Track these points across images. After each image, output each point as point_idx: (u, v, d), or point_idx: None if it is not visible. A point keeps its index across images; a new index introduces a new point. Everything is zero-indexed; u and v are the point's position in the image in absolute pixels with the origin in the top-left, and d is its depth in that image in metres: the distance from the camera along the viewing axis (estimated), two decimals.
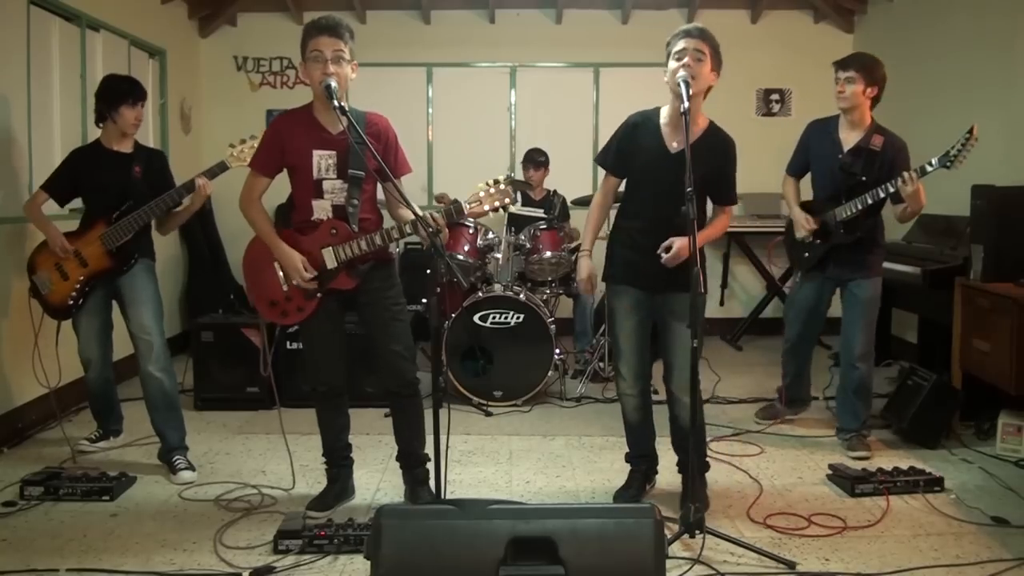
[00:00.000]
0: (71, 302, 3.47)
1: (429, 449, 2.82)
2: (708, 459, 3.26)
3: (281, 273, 2.93)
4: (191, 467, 3.44)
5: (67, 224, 3.59)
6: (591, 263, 3.13)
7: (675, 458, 3.20)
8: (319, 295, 2.92)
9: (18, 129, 4.04)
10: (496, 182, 2.80)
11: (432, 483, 2.81)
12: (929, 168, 3.38)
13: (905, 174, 3.38)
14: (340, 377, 3.08)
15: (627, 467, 3.29)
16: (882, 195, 3.49)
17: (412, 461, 3.10)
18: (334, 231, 2.87)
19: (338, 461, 3.17)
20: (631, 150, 3.02)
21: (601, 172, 3.19)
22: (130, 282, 3.47)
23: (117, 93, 3.45)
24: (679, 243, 2.85)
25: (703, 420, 3.18)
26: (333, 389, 3.08)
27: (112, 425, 3.82)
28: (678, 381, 3.00)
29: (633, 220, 3.04)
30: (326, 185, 2.87)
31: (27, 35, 4.12)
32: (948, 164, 3.33)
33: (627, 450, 3.28)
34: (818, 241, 3.74)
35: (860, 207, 3.55)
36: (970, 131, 3.29)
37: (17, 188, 4.02)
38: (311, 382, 3.08)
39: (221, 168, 3.43)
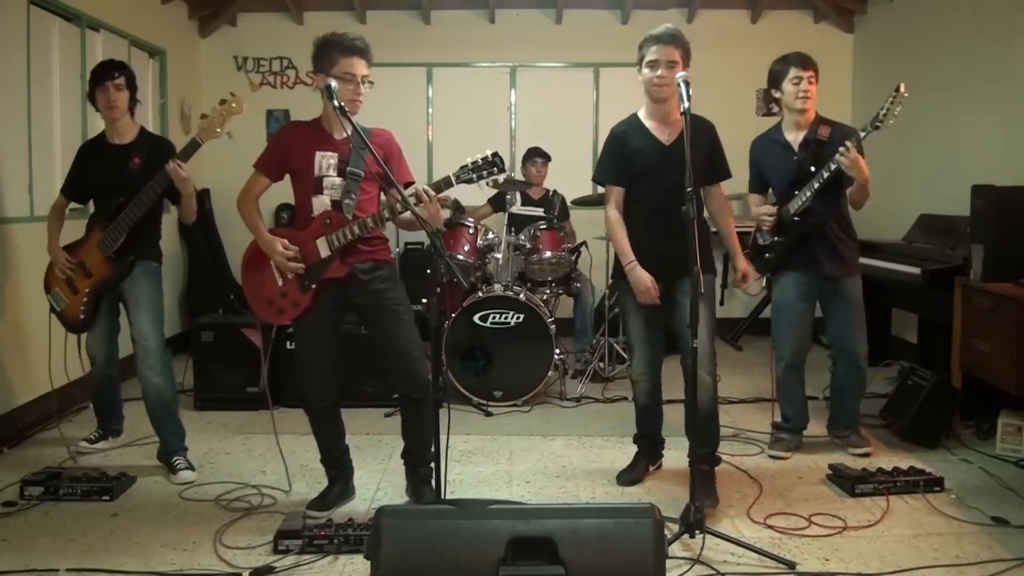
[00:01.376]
0: (83, 316, 3.44)
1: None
2: (717, 454, 3.26)
3: (276, 269, 2.95)
4: (191, 467, 3.44)
5: (74, 226, 3.54)
6: (643, 270, 3.10)
7: (679, 457, 3.21)
8: (313, 287, 2.92)
9: (18, 129, 4.04)
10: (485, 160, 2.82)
11: (432, 483, 2.81)
12: (863, 134, 3.31)
13: (842, 147, 3.28)
14: (332, 385, 3.06)
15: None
16: (826, 175, 3.40)
17: (418, 460, 3.11)
18: (328, 221, 2.90)
19: (337, 465, 3.17)
20: (628, 155, 3.12)
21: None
22: (131, 287, 3.44)
23: (90, 82, 3.41)
24: (741, 268, 3.29)
25: (716, 409, 3.19)
26: (323, 399, 3.05)
27: (112, 424, 3.81)
28: (699, 356, 2.96)
29: (638, 217, 3.14)
30: (326, 182, 2.92)
31: (27, 35, 4.13)
32: (878, 125, 3.25)
33: (635, 431, 3.39)
34: (776, 239, 3.66)
35: (809, 193, 3.48)
36: (896, 89, 3.21)
37: (15, 188, 4.02)
38: (303, 389, 3.06)
39: (194, 146, 3.26)
